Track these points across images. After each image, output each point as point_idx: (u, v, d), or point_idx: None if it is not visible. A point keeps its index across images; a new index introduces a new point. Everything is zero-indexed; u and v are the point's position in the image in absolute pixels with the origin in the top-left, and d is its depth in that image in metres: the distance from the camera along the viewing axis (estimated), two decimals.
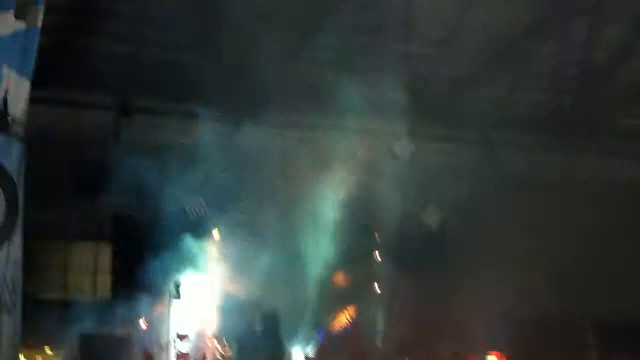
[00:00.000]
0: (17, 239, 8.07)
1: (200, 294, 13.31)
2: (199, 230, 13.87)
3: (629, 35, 16.81)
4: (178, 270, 12.39)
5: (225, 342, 12.34)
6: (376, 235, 15.78)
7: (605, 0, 15.64)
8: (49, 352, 11.44)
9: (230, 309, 13.31)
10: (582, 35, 16.47)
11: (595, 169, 18.36)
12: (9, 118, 8.24)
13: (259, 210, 14.50)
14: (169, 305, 12.80)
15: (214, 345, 12.07)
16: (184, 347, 11.60)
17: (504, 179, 15.82)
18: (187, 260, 12.80)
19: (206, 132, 14.48)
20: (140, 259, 13.05)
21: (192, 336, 12.27)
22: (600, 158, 18.55)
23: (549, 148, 17.80)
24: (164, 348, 11.79)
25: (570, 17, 16.20)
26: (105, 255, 14.24)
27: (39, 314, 10.88)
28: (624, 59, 17.20)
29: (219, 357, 12.01)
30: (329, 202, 14.57)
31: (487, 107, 17.42)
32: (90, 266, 14.57)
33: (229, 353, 12.05)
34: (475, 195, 15.15)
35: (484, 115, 16.86)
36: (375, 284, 15.57)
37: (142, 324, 11.69)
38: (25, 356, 9.60)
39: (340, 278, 14.93)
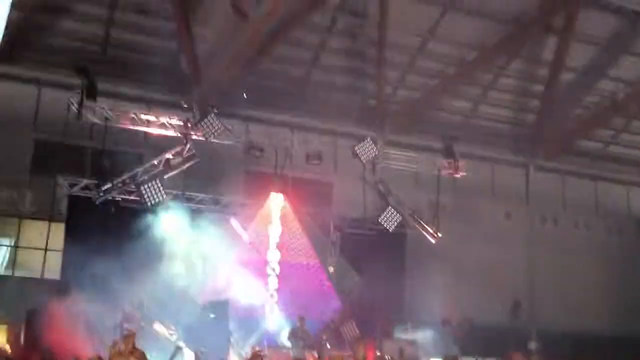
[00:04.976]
0: None
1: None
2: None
3: (595, 58, 17.21)
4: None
5: (172, 326, 12.14)
6: None
7: (573, 22, 15.91)
8: None
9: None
10: (549, 55, 16.77)
11: (554, 187, 18.90)
12: None
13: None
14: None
15: (161, 328, 11.84)
16: (132, 326, 11.36)
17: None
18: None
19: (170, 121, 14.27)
20: (92, 241, 12.75)
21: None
22: (559, 176, 19.03)
23: (510, 163, 18.13)
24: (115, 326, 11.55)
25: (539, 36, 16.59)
26: (57, 235, 13.91)
27: None
28: (588, 81, 17.55)
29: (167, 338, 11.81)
30: None
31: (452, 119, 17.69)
32: (41, 244, 14.26)
33: (176, 335, 11.85)
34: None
35: (448, 126, 17.05)
36: None
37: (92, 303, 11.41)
38: None
39: None
